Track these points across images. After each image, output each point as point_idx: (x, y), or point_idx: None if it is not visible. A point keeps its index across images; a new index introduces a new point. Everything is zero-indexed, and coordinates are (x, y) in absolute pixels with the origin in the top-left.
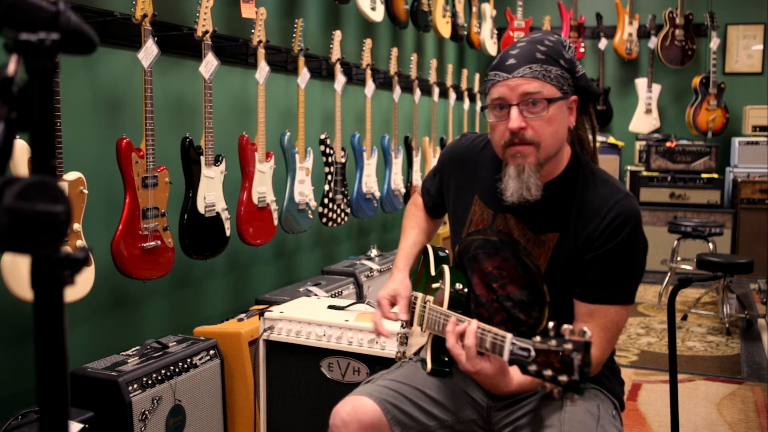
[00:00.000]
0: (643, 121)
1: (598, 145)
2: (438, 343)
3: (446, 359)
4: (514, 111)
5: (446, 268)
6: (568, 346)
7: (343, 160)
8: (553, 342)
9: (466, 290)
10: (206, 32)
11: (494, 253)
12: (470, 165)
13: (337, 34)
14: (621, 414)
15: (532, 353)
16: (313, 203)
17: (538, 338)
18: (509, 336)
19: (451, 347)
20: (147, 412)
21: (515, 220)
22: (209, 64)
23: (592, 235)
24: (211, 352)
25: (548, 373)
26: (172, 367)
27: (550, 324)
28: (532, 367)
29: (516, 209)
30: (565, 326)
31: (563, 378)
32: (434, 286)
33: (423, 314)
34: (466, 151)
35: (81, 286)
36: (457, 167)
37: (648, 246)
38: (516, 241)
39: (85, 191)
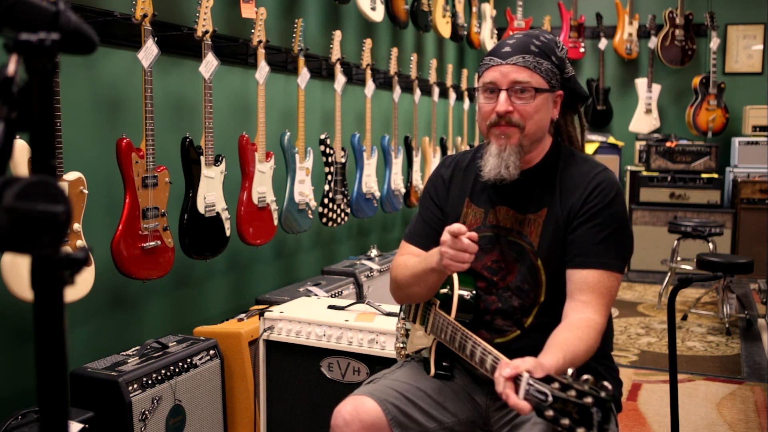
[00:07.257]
0: (643, 121)
1: (593, 144)
2: (442, 348)
3: (448, 365)
4: (503, 95)
5: (454, 274)
6: (588, 400)
7: (343, 160)
8: (572, 392)
9: (474, 293)
10: (206, 32)
11: (491, 248)
12: (466, 169)
13: (337, 34)
14: (616, 416)
15: (550, 399)
16: (313, 203)
17: (556, 385)
18: (525, 375)
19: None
20: (147, 412)
21: (505, 209)
22: (209, 64)
23: (576, 205)
24: (211, 352)
25: (565, 422)
26: (172, 367)
27: (570, 371)
28: (549, 413)
29: (504, 199)
30: (585, 376)
31: (581, 431)
32: (442, 291)
33: (427, 316)
34: (460, 157)
35: (81, 286)
36: (454, 173)
37: (631, 221)
38: (509, 229)
39: (85, 191)
